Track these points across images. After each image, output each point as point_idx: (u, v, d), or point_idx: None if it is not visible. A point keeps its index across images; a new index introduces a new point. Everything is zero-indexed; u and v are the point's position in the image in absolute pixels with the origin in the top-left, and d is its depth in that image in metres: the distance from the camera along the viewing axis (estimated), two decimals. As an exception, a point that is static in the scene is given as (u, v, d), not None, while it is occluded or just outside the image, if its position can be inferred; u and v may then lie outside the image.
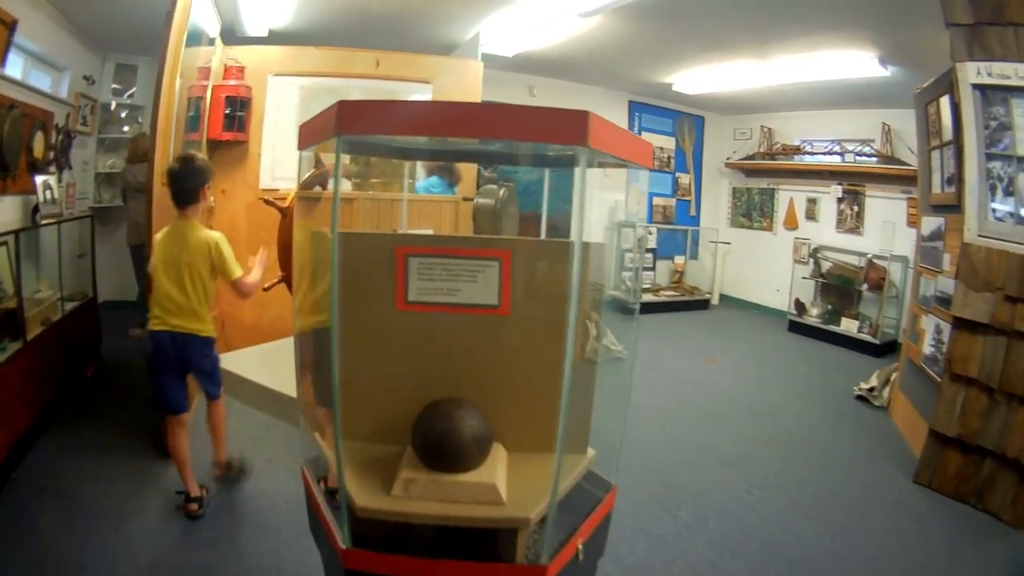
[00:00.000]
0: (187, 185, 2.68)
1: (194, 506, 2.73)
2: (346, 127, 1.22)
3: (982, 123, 3.29)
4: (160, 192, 3.00)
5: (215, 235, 2.70)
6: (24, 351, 3.17)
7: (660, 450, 3.55)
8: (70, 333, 3.92)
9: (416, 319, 1.56)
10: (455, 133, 1.25)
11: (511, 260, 1.51)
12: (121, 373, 4.46)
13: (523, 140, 1.29)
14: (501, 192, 3.07)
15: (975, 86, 3.25)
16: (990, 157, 3.27)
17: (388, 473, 1.48)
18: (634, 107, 8.21)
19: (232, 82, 4.47)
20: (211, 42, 4.23)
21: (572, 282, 1.23)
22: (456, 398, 1.50)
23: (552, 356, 1.30)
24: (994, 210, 3.28)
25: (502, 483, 1.46)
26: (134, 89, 6.07)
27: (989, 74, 3.20)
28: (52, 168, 4.60)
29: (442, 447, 1.43)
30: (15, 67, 4.25)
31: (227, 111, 4.41)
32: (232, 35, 4.79)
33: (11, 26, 3.64)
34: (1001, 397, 3.08)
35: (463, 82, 4.99)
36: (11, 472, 2.90)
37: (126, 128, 6.12)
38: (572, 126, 1.13)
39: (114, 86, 5.99)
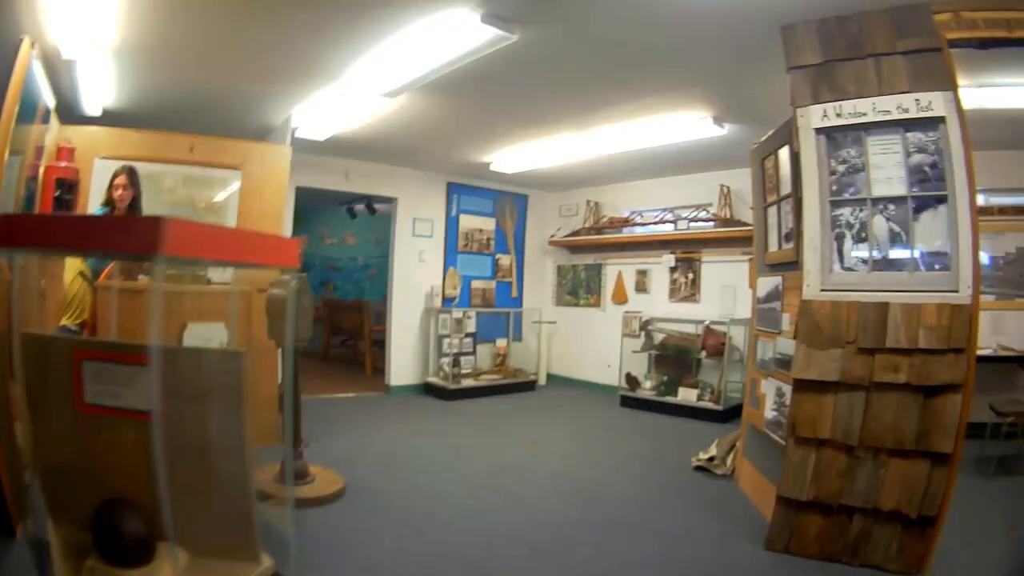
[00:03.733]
0: None
1: None
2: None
3: (827, 170, 3.25)
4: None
5: None
6: None
7: (471, 547, 3.26)
8: None
9: (95, 420, 1.71)
10: (21, 245, 1.23)
11: (164, 366, 1.50)
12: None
13: (92, 250, 1.32)
14: (293, 283, 3.12)
15: (820, 130, 3.24)
16: (837, 204, 3.24)
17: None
18: (452, 188, 8.30)
19: (63, 164, 4.57)
20: (45, 118, 4.28)
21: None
22: (117, 500, 1.68)
23: (203, 461, 1.29)
24: (842, 260, 3.22)
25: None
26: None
27: (838, 114, 3.18)
28: None
29: (106, 544, 1.64)
30: None
31: (56, 193, 4.48)
32: (71, 113, 4.91)
33: None
34: (864, 453, 3.05)
35: (272, 167, 5.16)
36: None
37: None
38: (143, 234, 1.07)
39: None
